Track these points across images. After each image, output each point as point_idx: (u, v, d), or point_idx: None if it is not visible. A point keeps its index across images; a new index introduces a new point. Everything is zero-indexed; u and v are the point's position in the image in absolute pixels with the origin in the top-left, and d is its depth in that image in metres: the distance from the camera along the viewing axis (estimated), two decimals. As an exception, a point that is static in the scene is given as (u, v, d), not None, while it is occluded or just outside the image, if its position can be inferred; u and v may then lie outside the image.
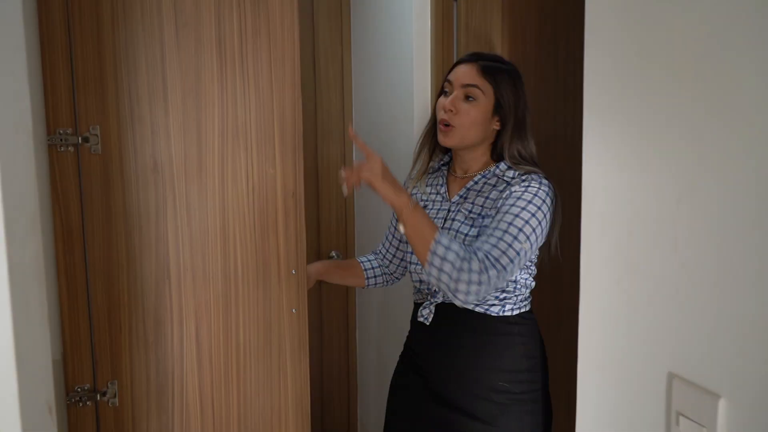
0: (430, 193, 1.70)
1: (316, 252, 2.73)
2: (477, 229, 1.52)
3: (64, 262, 1.42)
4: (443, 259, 1.35)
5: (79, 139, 1.39)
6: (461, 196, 1.62)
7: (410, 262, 1.66)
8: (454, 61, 2.03)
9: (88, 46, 1.38)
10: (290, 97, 1.51)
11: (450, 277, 1.35)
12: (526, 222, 1.42)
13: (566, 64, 2.14)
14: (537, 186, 1.49)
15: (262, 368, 1.56)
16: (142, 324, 1.48)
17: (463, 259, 1.36)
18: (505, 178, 1.57)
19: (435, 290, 1.60)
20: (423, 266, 1.40)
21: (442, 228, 1.58)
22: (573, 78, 2.16)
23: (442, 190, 1.68)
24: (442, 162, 1.73)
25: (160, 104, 1.44)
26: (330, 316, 2.85)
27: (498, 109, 1.58)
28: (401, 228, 1.41)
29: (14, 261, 0.79)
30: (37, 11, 1.35)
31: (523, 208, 1.44)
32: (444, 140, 1.59)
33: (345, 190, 1.44)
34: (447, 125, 1.57)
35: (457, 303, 1.40)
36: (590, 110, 0.93)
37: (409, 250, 1.65)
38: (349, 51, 2.62)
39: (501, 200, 1.50)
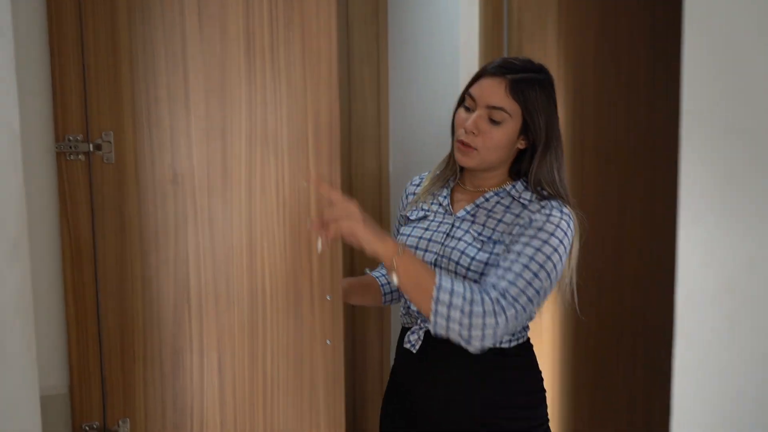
0: (431, 203, 1.50)
1: (348, 272, 2.54)
2: (487, 255, 1.34)
3: (72, 281, 1.27)
4: (450, 306, 1.18)
5: (91, 146, 1.23)
6: (469, 213, 1.43)
7: None
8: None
9: (101, 39, 1.22)
10: (326, 96, 1.34)
11: (461, 324, 1.18)
12: (548, 257, 1.27)
13: (629, 64, 1.93)
14: (559, 215, 1.32)
15: (292, 405, 1.38)
16: (159, 353, 1.32)
17: (472, 302, 1.20)
18: (521, 200, 1.40)
19: None
20: (427, 318, 1.22)
21: (442, 245, 1.39)
22: (635, 78, 1.95)
23: (445, 202, 1.49)
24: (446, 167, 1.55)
25: (181, 106, 1.27)
26: (364, 346, 2.65)
27: (525, 129, 1.39)
28: (394, 278, 1.22)
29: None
30: (47, 4, 1.20)
31: (545, 242, 1.28)
32: (462, 160, 1.40)
33: (320, 245, 1.24)
34: (467, 145, 1.38)
35: (471, 350, 1.22)
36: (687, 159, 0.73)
37: None
38: (386, 50, 2.44)
39: (518, 227, 1.33)
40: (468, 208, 1.44)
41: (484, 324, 1.19)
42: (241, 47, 1.29)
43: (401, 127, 2.45)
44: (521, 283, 1.24)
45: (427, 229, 1.45)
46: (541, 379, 1.48)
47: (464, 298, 1.20)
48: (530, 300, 1.24)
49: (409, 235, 1.47)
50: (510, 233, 1.35)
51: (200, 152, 1.29)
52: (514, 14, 1.84)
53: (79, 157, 1.24)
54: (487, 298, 1.21)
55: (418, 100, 2.24)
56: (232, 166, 1.31)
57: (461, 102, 1.43)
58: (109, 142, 1.24)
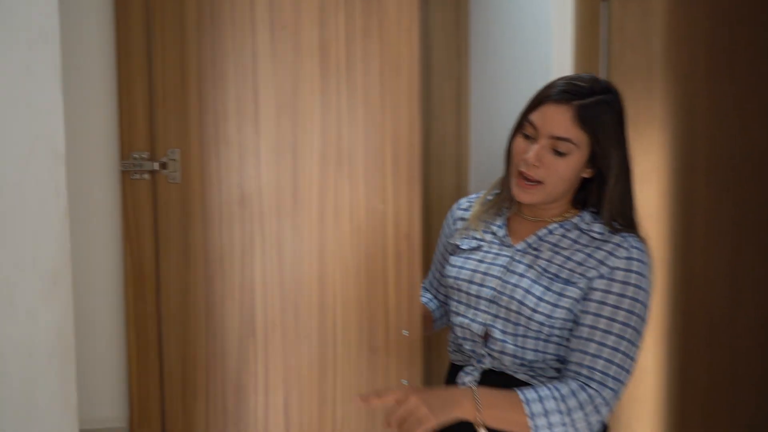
0: (483, 232, 1.33)
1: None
2: (555, 295, 1.19)
3: (134, 310, 1.19)
4: (550, 425, 1.10)
5: (156, 165, 1.16)
6: (530, 246, 1.25)
7: (454, 312, 1.31)
8: (600, 71, 1.67)
9: (170, 53, 1.15)
10: (407, 113, 1.21)
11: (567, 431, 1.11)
12: (640, 317, 1.15)
13: (747, 78, 1.71)
14: (637, 254, 1.17)
15: (364, 454, 1.24)
16: (221, 390, 1.21)
17: (570, 411, 1.10)
18: (591, 234, 1.22)
19: (484, 352, 1.24)
20: None
21: (501, 280, 1.22)
22: (754, 94, 1.72)
23: (501, 232, 1.31)
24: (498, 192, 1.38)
25: (250, 123, 1.18)
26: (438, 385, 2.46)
27: (593, 158, 1.22)
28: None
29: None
30: (114, 12, 1.14)
31: (635, 299, 1.14)
32: (522, 196, 1.23)
33: None
34: (528, 181, 1.21)
35: None
36: None
37: (455, 297, 1.30)
38: (467, 64, 2.31)
39: (593, 271, 1.17)
40: (529, 240, 1.27)
41: (587, 419, 1.11)
42: (314, 60, 1.19)
43: (483, 147, 2.30)
44: (618, 358, 1.12)
45: (481, 261, 1.29)
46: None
47: (559, 409, 1.11)
48: (627, 370, 1.14)
49: (461, 267, 1.31)
50: (583, 275, 1.18)
51: (269, 172, 1.19)
52: (614, 21, 1.66)
53: (144, 176, 1.17)
54: (581, 392, 1.11)
55: (502, 118, 2.08)
56: (303, 187, 1.20)
57: (519, 128, 1.26)
58: (175, 160, 1.16)
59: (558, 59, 1.73)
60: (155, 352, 1.20)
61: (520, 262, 1.24)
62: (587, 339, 1.15)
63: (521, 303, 1.19)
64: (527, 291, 1.19)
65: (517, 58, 1.98)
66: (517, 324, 1.19)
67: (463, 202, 1.43)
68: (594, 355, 1.13)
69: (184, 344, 1.20)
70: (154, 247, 1.18)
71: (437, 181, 2.41)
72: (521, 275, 1.22)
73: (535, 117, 1.20)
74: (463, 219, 1.39)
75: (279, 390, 1.22)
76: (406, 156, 1.22)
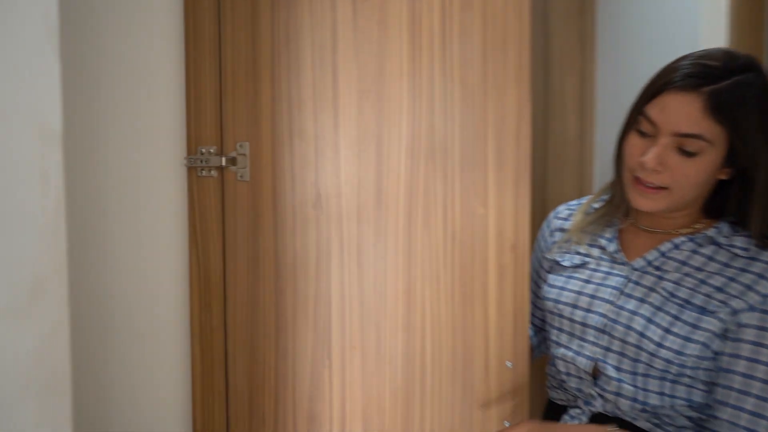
0: (588, 246, 1.06)
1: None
2: (687, 327, 0.93)
3: (200, 324, 1.06)
4: None
5: (224, 160, 1.03)
6: (650, 263, 0.99)
7: (554, 342, 1.05)
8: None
9: (240, 33, 1.02)
10: (514, 98, 1.00)
11: None
12: None
13: None
14: None
15: (455, 507, 1.03)
16: (292, 418, 1.06)
17: None
18: (734, 250, 0.94)
19: (594, 393, 0.98)
20: None
21: (614, 306, 0.98)
22: None
23: (612, 247, 1.04)
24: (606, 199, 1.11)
25: (328, 112, 1.02)
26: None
27: (732, 156, 0.92)
28: None
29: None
30: (182, -8, 1.03)
31: None
32: (641, 202, 0.97)
33: None
34: (649, 186, 0.95)
35: None
36: None
37: (555, 323, 1.06)
38: (593, 55, 2.03)
39: (739, 299, 0.92)
40: (650, 257, 1.00)
41: None
42: (403, 37, 1.01)
43: (610, 148, 2.01)
44: None
45: (588, 282, 1.04)
46: None
47: None
48: None
49: (562, 288, 1.06)
50: (725, 303, 0.92)
51: (350, 168, 1.02)
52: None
53: (212, 173, 1.04)
54: None
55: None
56: (389, 186, 1.02)
57: (632, 123, 1.00)
58: (245, 155, 1.03)
59: (708, 40, 1.44)
60: (221, 370, 1.07)
61: (638, 283, 1.00)
62: (742, 392, 0.88)
63: (641, 335, 0.95)
64: (649, 320, 0.95)
65: (655, 50, 1.69)
66: (636, 360, 0.94)
67: (562, 210, 1.18)
68: (753, 414, 0.88)
69: (252, 363, 1.06)
70: (221, 253, 1.05)
71: (556, 185, 2.15)
72: (640, 300, 0.97)
73: (653, 110, 0.95)
74: (562, 230, 1.14)
75: (357, 422, 1.05)
76: (513, 150, 1.01)
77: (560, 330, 1.06)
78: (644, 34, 1.75)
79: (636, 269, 1.01)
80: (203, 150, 1.03)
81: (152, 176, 1.05)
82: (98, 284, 1.07)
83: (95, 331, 1.06)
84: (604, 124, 2.08)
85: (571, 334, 1.04)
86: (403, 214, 1.02)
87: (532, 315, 1.19)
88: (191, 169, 1.04)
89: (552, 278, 1.09)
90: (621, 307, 0.99)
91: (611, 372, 0.97)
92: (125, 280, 1.06)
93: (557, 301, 1.05)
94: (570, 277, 1.07)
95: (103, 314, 1.06)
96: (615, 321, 0.98)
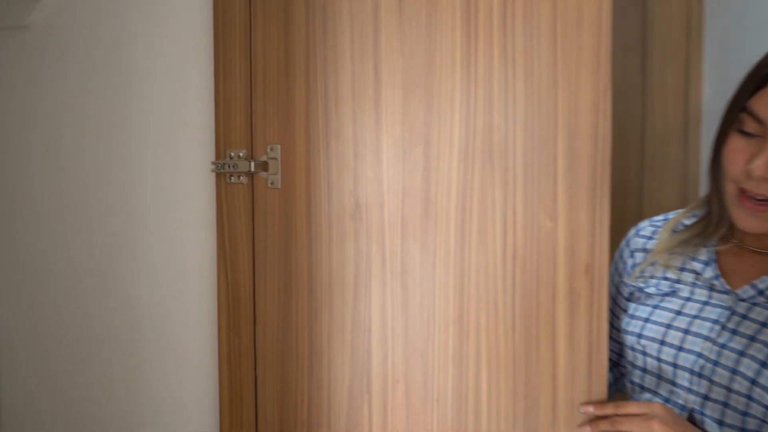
0: (679, 270, 0.86)
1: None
2: None
3: (228, 344, 0.96)
4: None
5: (253, 165, 0.92)
6: (762, 293, 0.79)
7: (637, 385, 0.88)
8: None
9: (272, 22, 0.91)
10: (590, 90, 0.83)
11: None
12: None
13: None
14: None
15: None
16: (328, 458, 0.93)
17: None
18: None
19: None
20: None
21: (714, 344, 0.82)
22: None
23: (709, 272, 0.83)
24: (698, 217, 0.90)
25: (369, 109, 0.89)
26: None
27: None
28: None
29: None
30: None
31: None
32: (747, 222, 0.80)
33: None
34: (759, 201, 0.75)
35: None
36: None
37: (638, 363, 0.89)
38: (700, 43, 1.80)
39: None
40: (761, 285, 0.81)
41: None
42: (456, 21, 0.87)
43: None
44: None
45: (679, 313, 0.85)
46: None
47: None
48: None
49: (647, 321, 0.87)
50: None
51: (393, 174, 0.89)
52: None
53: (241, 179, 0.93)
54: None
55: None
56: (438, 194, 0.88)
57: (732, 121, 0.80)
58: (276, 159, 0.91)
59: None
60: (250, 397, 0.96)
61: (745, 317, 0.80)
62: None
63: (753, 382, 0.76)
64: (764, 364, 0.76)
65: None
66: (745, 414, 0.76)
67: (645, 226, 0.99)
68: None
69: (284, 391, 0.94)
70: (250, 268, 0.94)
71: (654, 191, 1.91)
72: (750, 338, 0.78)
73: (759, 105, 0.76)
74: (645, 250, 0.95)
75: (400, 468, 0.91)
76: (589, 151, 0.84)
77: (644, 371, 0.88)
78: (761, 17, 1.51)
79: (743, 299, 0.81)
80: (232, 154, 0.93)
81: (179, 184, 0.96)
82: (125, 300, 1.00)
83: (118, 351, 0.99)
84: (711, 122, 1.83)
85: (659, 377, 0.85)
86: (455, 227, 0.87)
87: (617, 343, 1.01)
88: (219, 175, 0.94)
89: (633, 308, 0.91)
90: (723, 346, 0.80)
91: (711, 427, 0.78)
92: (151, 297, 0.97)
93: (641, 336, 0.87)
94: (656, 308, 0.88)
95: (129, 330, 0.98)
96: (716, 363, 0.79)
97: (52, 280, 1.06)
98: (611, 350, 1.01)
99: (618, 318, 0.96)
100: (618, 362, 1.01)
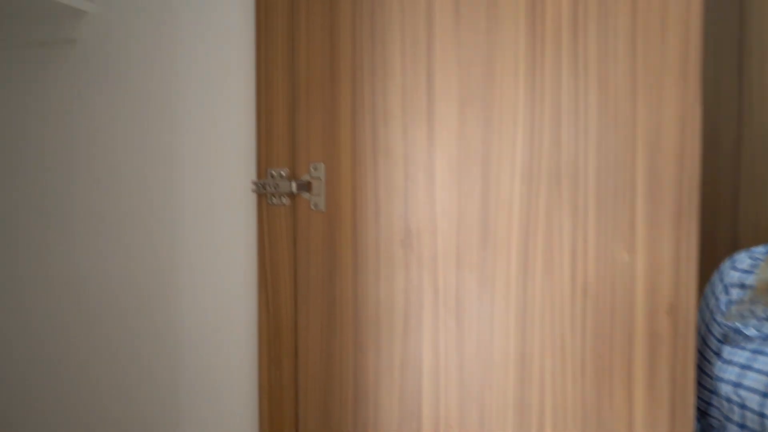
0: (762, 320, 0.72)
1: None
2: None
3: (269, 377, 0.89)
4: None
5: (294, 185, 0.85)
6: None
7: (747, 406, 0.72)
8: None
9: (317, 30, 0.84)
10: (676, 103, 0.72)
11: None
12: None
13: None
14: None
15: None
16: (373, 506, 0.85)
17: None
18: None
19: None
20: None
21: None
22: None
23: None
24: None
25: (421, 124, 0.80)
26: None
27: None
28: None
29: None
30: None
31: None
32: None
33: None
34: None
35: None
36: None
37: (735, 417, 0.73)
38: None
39: None
40: None
41: None
42: (519, 26, 0.77)
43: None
44: None
45: None
46: None
47: None
48: None
49: (747, 368, 0.74)
50: None
51: (447, 197, 0.80)
52: None
53: (283, 200, 0.86)
54: None
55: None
56: (498, 220, 0.78)
57: None
58: (320, 178, 0.84)
59: None
60: (293, 436, 0.89)
61: None
62: None
63: None
64: None
65: None
66: None
67: (743, 258, 0.85)
68: None
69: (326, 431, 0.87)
70: (292, 297, 0.87)
71: (750, 207, 1.72)
72: None
73: None
74: (743, 286, 0.81)
75: None
76: (674, 173, 0.73)
77: (742, 426, 0.75)
78: None
79: None
80: (273, 173, 0.86)
81: (221, 204, 0.90)
82: (165, 323, 0.95)
83: (159, 377, 0.93)
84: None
85: None
86: (517, 257, 0.78)
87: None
88: (261, 196, 0.88)
89: (729, 351, 0.79)
90: None
91: None
92: (192, 321, 0.92)
93: (739, 386, 0.75)
94: (757, 353, 0.76)
95: (168, 355, 0.93)
96: None
97: (89, 301, 1.03)
98: (701, 398, 0.89)
99: (708, 362, 0.84)
100: (706, 411, 0.88)
